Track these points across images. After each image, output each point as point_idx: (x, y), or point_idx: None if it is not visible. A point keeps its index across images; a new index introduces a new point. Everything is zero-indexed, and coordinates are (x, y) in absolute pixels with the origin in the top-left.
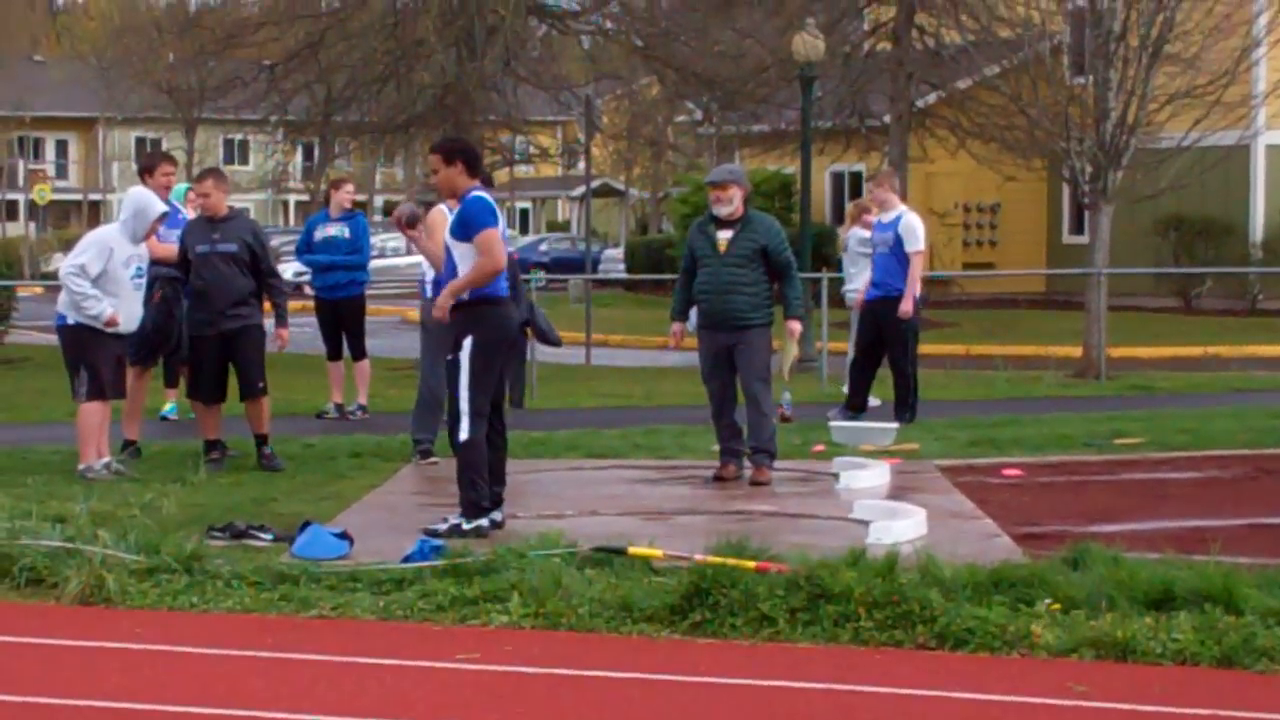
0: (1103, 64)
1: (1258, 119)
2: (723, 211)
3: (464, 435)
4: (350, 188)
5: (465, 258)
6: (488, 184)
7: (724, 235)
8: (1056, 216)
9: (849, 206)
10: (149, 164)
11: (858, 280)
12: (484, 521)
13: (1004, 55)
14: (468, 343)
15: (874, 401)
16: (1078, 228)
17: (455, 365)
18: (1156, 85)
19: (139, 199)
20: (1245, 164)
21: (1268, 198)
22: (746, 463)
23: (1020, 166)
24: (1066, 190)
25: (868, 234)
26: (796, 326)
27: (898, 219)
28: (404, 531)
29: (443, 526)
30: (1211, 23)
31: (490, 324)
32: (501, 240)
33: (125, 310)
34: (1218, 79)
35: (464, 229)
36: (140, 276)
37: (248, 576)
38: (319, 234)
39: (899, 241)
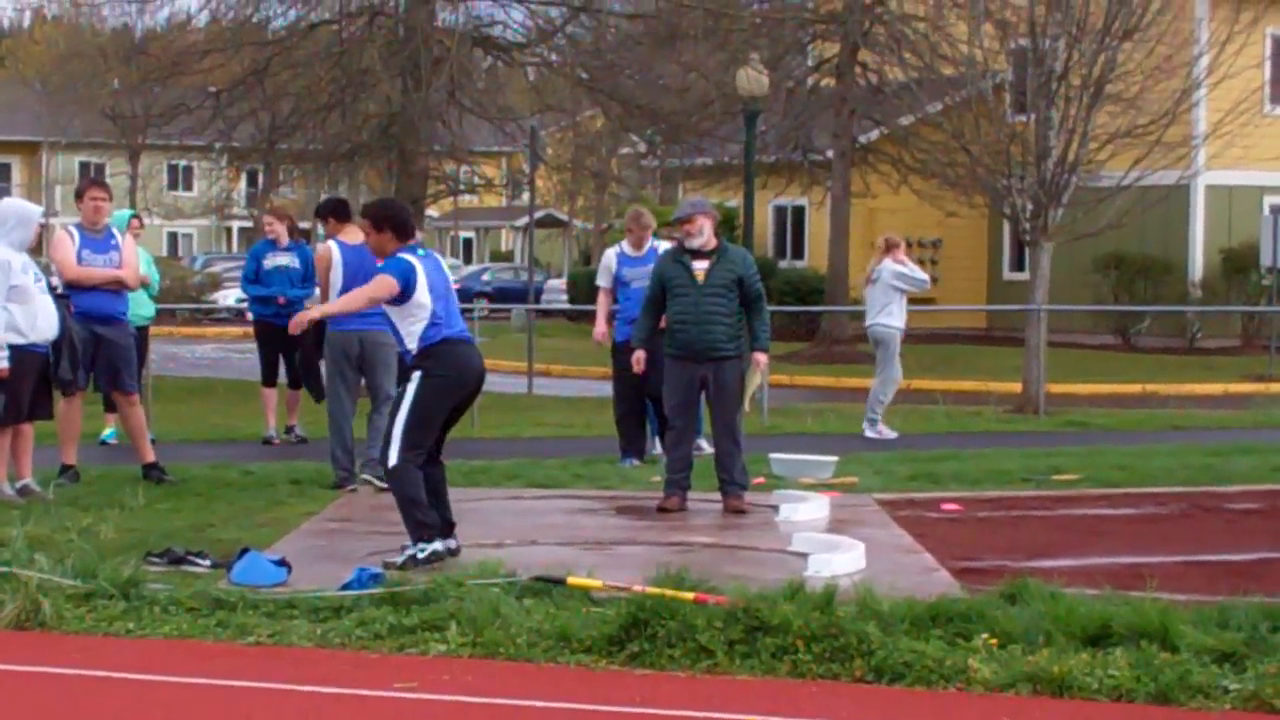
0: (1044, 103)
1: (1197, 159)
2: (696, 243)
3: (392, 461)
4: (268, 218)
5: (402, 318)
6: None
7: (700, 266)
8: (997, 253)
9: (878, 240)
10: (80, 189)
11: (887, 316)
12: (438, 546)
13: (946, 93)
14: (417, 376)
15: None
16: (1018, 264)
17: (402, 395)
18: (1097, 124)
19: (18, 210)
20: (1185, 204)
21: (1206, 237)
22: (700, 494)
23: (962, 203)
24: (1007, 227)
25: (902, 268)
26: (763, 358)
27: (652, 253)
28: (342, 559)
29: (399, 559)
30: (1152, 64)
31: (445, 362)
32: (390, 286)
33: (43, 315)
34: (1158, 119)
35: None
36: (40, 279)
37: (185, 602)
38: (268, 262)
39: None
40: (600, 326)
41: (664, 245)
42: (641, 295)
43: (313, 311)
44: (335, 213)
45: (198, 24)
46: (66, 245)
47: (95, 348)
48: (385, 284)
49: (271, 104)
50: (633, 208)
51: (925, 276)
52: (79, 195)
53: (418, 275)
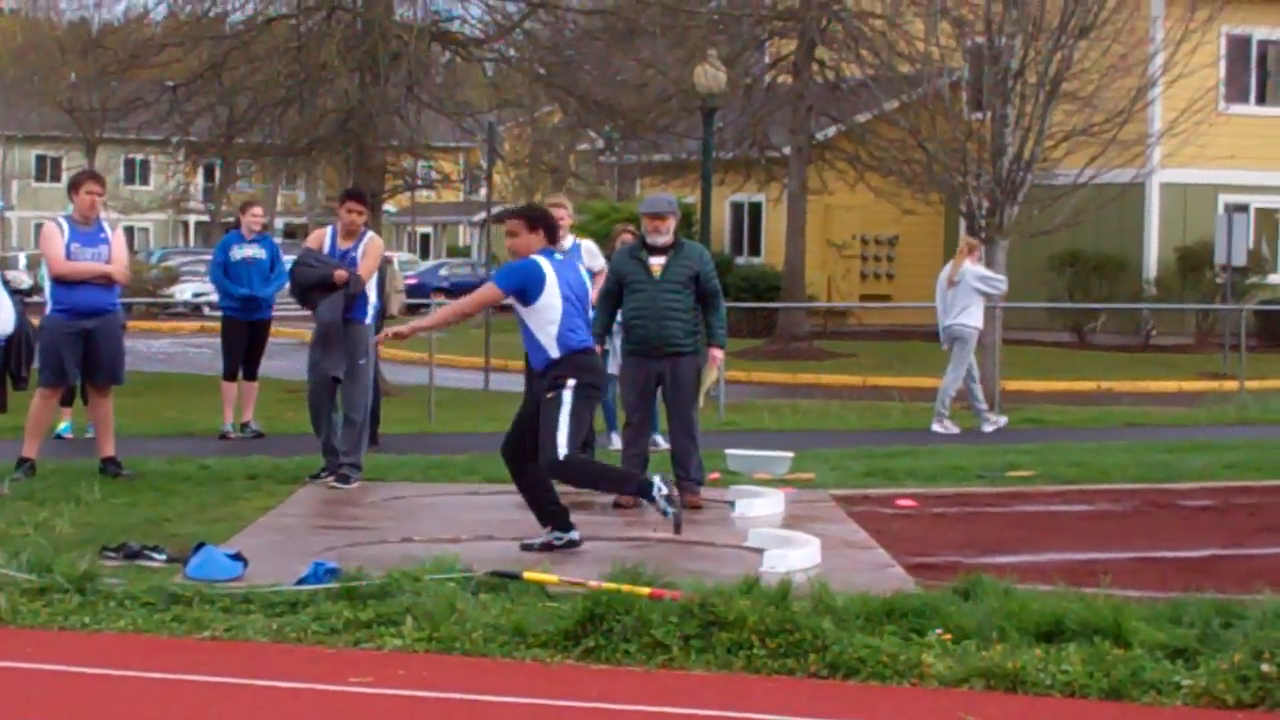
0: (1000, 100)
1: (1153, 157)
2: (661, 240)
3: (562, 454)
4: (258, 210)
5: (536, 323)
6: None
7: (657, 261)
8: (953, 250)
9: (961, 243)
10: (75, 181)
11: (967, 316)
12: (575, 535)
13: (903, 90)
14: (572, 383)
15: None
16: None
17: (556, 403)
18: (1053, 122)
19: None
20: (1140, 202)
21: (1161, 235)
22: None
23: (918, 200)
24: (963, 224)
25: (985, 271)
26: (719, 354)
27: (575, 249)
28: (298, 554)
29: (536, 541)
30: (1108, 62)
31: (588, 371)
32: (494, 293)
33: (4, 309)
34: (1114, 117)
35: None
36: None
37: (140, 597)
38: (235, 254)
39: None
40: None
41: (586, 242)
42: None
43: (402, 328)
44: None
45: (155, 18)
46: (56, 238)
47: (85, 343)
48: (490, 292)
49: (229, 98)
50: (554, 195)
51: (1004, 280)
52: (74, 187)
53: (545, 275)
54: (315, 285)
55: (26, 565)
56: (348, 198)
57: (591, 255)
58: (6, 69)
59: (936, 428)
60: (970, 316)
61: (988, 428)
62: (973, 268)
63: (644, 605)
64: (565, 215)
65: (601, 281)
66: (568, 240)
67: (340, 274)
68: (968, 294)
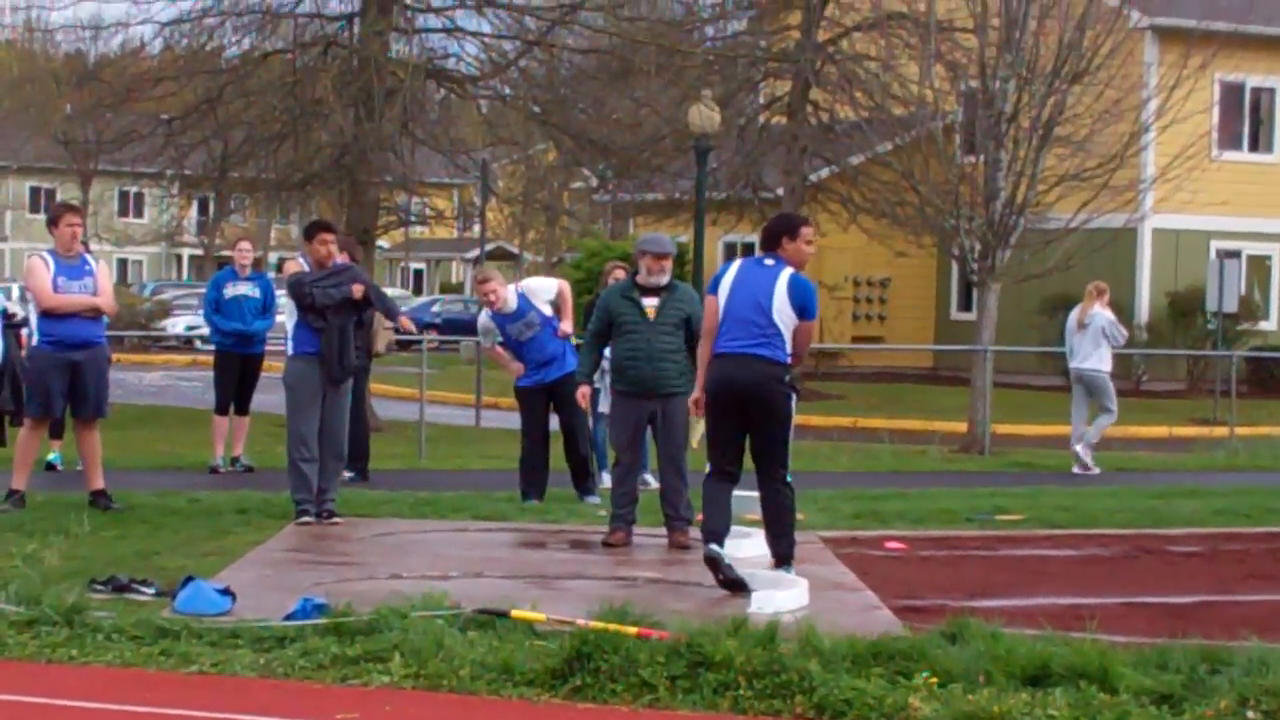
0: (993, 144)
1: (1145, 203)
2: (662, 281)
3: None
4: (245, 245)
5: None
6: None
7: (651, 302)
8: (945, 293)
9: (1090, 286)
10: (54, 215)
11: (1099, 361)
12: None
13: (897, 133)
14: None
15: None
16: (966, 304)
17: (788, 414)
18: (1046, 167)
19: None
20: (1132, 247)
21: (1153, 281)
22: (652, 529)
23: (910, 243)
24: (955, 267)
25: (1114, 317)
26: None
27: (523, 301)
28: (287, 589)
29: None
30: (1101, 107)
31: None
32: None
33: None
34: (1106, 162)
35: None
36: None
37: (128, 630)
38: (228, 291)
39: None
40: (513, 364)
41: (532, 281)
42: (535, 342)
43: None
44: None
45: (151, 51)
46: (42, 272)
47: (72, 375)
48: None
49: (224, 132)
50: (479, 271)
51: (1125, 332)
52: (54, 221)
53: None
54: (335, 305)
55: (15, 597)
56: (317, 229)
57: (537, 292)
58: (1, 100)
59: (1077, 469)
60: (1101, 360)
61: (1078, 469)
62: (1103, 311)
63: (631, 645)
64: (495, 287)
65: (568, 306)
66: (512, 298)
67: (358, 287)
68: (1097, 337)
